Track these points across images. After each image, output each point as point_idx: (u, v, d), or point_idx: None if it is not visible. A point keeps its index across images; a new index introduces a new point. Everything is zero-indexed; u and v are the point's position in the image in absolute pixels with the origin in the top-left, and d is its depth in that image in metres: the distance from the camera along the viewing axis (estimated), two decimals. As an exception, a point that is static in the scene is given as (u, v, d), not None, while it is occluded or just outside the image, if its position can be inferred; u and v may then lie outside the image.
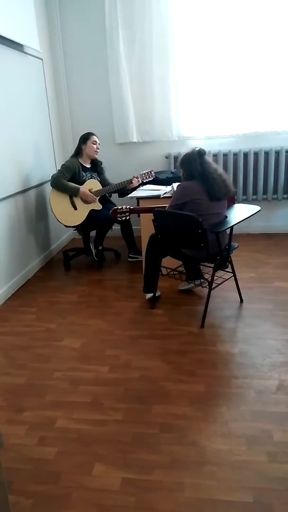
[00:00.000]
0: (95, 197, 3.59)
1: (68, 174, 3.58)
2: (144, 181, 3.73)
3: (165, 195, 3.31)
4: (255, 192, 4.32)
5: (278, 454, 1.61)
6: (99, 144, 3.71)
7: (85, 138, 3.67)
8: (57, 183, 3.55)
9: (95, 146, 3.67)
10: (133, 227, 3.87)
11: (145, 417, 1.87)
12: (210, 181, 2.54)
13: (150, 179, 3.75)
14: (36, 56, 3.82)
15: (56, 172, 3.64)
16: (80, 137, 3.70)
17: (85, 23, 4.16)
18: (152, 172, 3.76)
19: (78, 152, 3.71)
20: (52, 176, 3.60)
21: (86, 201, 3.60)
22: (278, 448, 1.64)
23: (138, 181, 3.67)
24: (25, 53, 3.58)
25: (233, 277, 2.87)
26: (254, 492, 1.46)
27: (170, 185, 3.54)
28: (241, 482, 1.51)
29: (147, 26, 3.95)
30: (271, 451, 1.63)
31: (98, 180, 3.71)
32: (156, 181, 3.81)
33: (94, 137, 3.67)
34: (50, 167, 4.10)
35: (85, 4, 4.11)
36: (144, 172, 3.73)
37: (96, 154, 3.72)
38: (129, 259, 3.93)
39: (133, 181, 3.65)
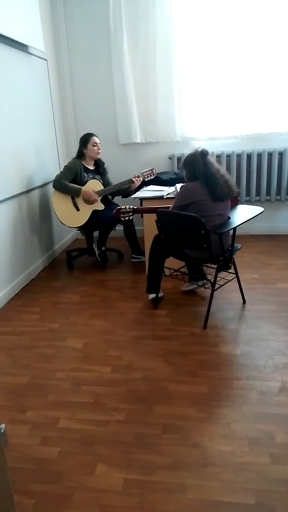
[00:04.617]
0: (97, 196, 3.59)
1: (70, 175, 3.57)
2: (146, 179, 3.70)
3: (168, 196, 3.31)
4: (258, 193, 4.32)
5: (281, 456, 1.61)
6: (99, 144, 3.68)
7: (85, 140, 3.63)
8: (59, 184, 3.55)
9: (95, 148, 3.63)
10: (136, 227, 3.87)
11: (148, 418, 1.87)
12: (212, 181, 2.54)
13: (151, 178, 3.72)
14: (40, 57, 3.83)
15: (58, 173, 3.64)
16: (80, 139, 3.67)
17: (90, 24, 4.17)
18: (154, 171, 3.72)
19: (80, 155, 3.68)
20: (54, 178, 3.60)
21: (88, 201, 3.60)
22: (281, 449, 1.64)
23: (139, 180, 3.64)
24: (30, 53, 3.59)
25: (236, 278, 2.87)
26: (256, 494, 1.46)
27: (173, 185, 3.54)
28: (243, 483, 1.51)
29: (151, 27, 3.96)
30: (274, 452, 1.63)
31: (100, 182, 3.70)
32: (160, 181, 3.81)
33: (94, 138, 3.63)
34: (53, 167, 4.11)
35: (89, 5, 4.12)
36: (145, 171, 3.70)
37: (99, 155, 3.70)
38: (132, 260, 3.93)
39: (133, 180, 3.63)
